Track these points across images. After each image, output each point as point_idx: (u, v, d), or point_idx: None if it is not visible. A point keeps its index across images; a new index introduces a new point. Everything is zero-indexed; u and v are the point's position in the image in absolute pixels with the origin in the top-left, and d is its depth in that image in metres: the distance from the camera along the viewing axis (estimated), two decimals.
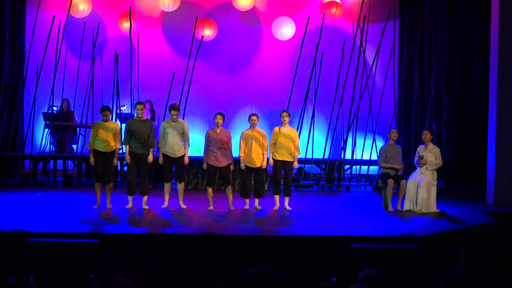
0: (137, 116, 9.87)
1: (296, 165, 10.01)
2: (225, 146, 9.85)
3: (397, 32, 14.36)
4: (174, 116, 9.77)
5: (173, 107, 9.85)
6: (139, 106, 9.78)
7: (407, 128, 14.03)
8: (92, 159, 9.74)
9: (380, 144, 12.59)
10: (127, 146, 9.73)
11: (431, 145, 10.12)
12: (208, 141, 9.86)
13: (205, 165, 9.91)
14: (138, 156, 9.70)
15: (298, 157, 10.08)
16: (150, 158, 9.75)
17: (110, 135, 9.72)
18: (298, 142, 10.12)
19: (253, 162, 9.87)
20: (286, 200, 10.01)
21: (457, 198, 11.55)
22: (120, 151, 10.14)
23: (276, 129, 9.99)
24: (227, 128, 11.28)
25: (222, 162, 9.84)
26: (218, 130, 9.85)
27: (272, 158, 9.94)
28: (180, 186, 9.92)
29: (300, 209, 10.08)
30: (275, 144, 9.92)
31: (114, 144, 9.75)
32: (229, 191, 9.94)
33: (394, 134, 10.42)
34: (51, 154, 13.01)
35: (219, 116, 9.88)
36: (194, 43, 13.25)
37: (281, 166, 9.94)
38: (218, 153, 9.80)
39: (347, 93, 13.46)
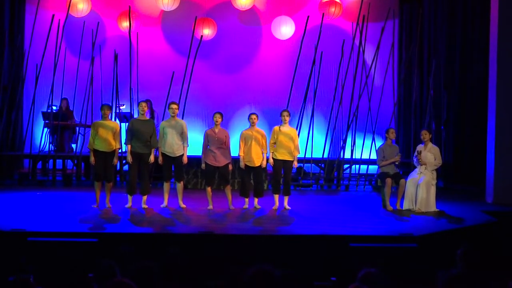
0: (139, 115, 9.88)
1: (295, 164, 10.02)
2: (224, 145, 9.85)
3: (397, 32, 14.36)
4: (175, 110, 9.78)
5: (174, 102, 9.97)
6: (142, 105, 9.79)
7: (406, 127, 14.03)
8: (92, 159, 9.74)
9: (379, 143, 12.58)
10: (129, 146, 9.73)
11: (430, 145, 10.12)
12: (207, 141, 9.86)
13: (203, 165, 9.91)
14: (140, 155, 9.70)
15: (297, 156, 10.09)
16: (152, 158, 9.75)
17: (110, 134, 9.72)
18: (298, 141, 10.13)
19: (252, 162, 9.87)
20: (286, 199, 10.01)
21: (456, 198, 11.55)
22: (120, 151, 10.14)
23: (276, 128, 9.99)
24: (226, 127, 11.29)
25: (221, 161, 9.84)
26: (216, 130, 9.85)
27: (272, 158, 9.94)
28: (179, 186, 9.92)
29: (299, 208, 10.08)
30: (275, 143, 9.92)
31: (114, 144, 9.75)
32: (228, 190, 9.94)
33: (392, 134, 10.42)
34: (51, 154, 12.99)
35: (217, 115, 9.88)
36: (194, 42, 13.25)
37: (280, 165, 9.93)
38: (217, 152, 9.80)
39: (347, 92, 13.46)
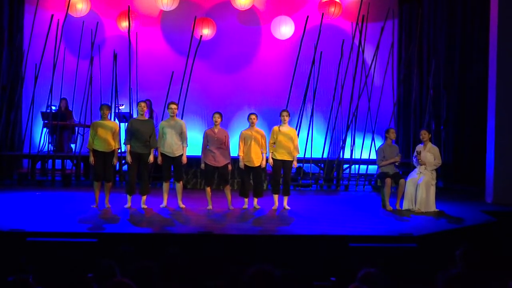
0: (138, 115, 9.86)
1: (295, 164, 10.01)
2: (223, 145, 9.85)
3: (396, 31, 14.36)
4: (174, 110, 9.78)
5: (173, 102, 9.99)
6: (141, 105, 9.78)
7: (406, 127, 14.03)
8: (92, 159, 9.73)
9: (378, 143, 12.58)
10: (128, 146, 9.73)
11: (429, 145, 10.12)
12: (206, 141, 9.86)
13: (202, 165, 9.92)
14: (139, 155, 9.69)
15: (297, 156, 10.09)
16: (151, 158, 9.75)
17: (109, 134, 9.71)
18: (297, 141, 10.13)
19: (252, 162, 9.87)
20: (285, 199, 10.01)
21: (456, 198, 11.55)
22: (119, 151, 10.14)
23: (276, 128, 10.00)
24: (225, 127, 11.28)
25: (221, 161, 9.84)
26: (216, 130, 9.85)
27: (271, 158, 9.94)
28: (179, 186, 9.92)
29: (299, 208, 10.08)
30: (274, 143, 9.92)
31: (113, 144, 9.74)
32: (227, 190, 9.94)
33: (392, 134, 10.42)
34: (50, 154, 12.99)
35: (217, 115, 9.88)
36: (193, 42, 13.25)
37: (280, 165, 9.93)
38: (217, 152, 9.80)
39: (346, 92, 13.46)
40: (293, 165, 9.98)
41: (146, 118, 10.15)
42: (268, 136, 10.03)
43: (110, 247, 7.00)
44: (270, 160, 9.96)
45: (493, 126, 10.93)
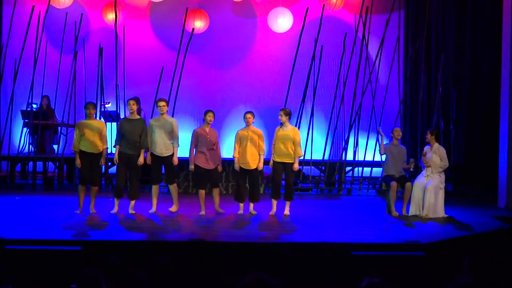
0: (129, 114, 9.84)
1: (295, 167, 9.90)
2: (215, 146, 9.86)
3: (402, 24, 14.37)
4: (163, 108, 9.79)
5: (162, 99, 10.02)
6: (129, 103, 9.78)
7: (413, 127, 14.06)
8: (78, 161, 9.69)
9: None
10: (117, 147, 9.72)
11: (436, 146, 10.15)
12: (196, 141, 9.84)
13: (192, 167, 9.90)
14: (128, 157, 9.68)
15: (298, 158, 10.00)
16: (141, 160, 9.72)
17: (97, 135, 9.70)
18: (300, 140, 9.99)
19: (248, 164, 9.86)
20: (287, 205, 9.95)
21: (467, 202, 11.59)
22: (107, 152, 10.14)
23: (277, 129, 9.94)
24: (219, 127, 11.32)
25: (212, 164, 9.85)
26: (207, 129, 9.85)
27: (272, 159, 9.91)
28: (173, 188, 9.93)
29: (298, 214, 10.10)
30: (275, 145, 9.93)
31: (101, 145, 9.73)
32: (215, 193, 9.95)
33: (397, 133, 10.45)
34: (30, 155, 12.99)
35: (210, 114, 9.87)
36: (184, 35, 13.25)
37: (281, 167, 9.90)
38: (209, 154, 9.80)
39: (349, 89, 13.48)
40: (293, 167, 9.88)
41: (137, 116, 10.09)
42: (265, 136, 10.04)
43: (95, 256, 7.01)
44: (271, 162, 9.94)
45: (506, 126, 10.96)
